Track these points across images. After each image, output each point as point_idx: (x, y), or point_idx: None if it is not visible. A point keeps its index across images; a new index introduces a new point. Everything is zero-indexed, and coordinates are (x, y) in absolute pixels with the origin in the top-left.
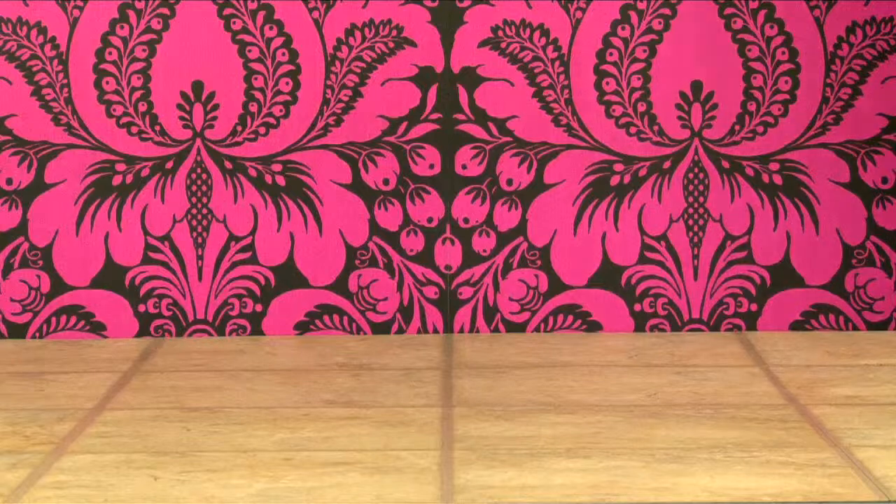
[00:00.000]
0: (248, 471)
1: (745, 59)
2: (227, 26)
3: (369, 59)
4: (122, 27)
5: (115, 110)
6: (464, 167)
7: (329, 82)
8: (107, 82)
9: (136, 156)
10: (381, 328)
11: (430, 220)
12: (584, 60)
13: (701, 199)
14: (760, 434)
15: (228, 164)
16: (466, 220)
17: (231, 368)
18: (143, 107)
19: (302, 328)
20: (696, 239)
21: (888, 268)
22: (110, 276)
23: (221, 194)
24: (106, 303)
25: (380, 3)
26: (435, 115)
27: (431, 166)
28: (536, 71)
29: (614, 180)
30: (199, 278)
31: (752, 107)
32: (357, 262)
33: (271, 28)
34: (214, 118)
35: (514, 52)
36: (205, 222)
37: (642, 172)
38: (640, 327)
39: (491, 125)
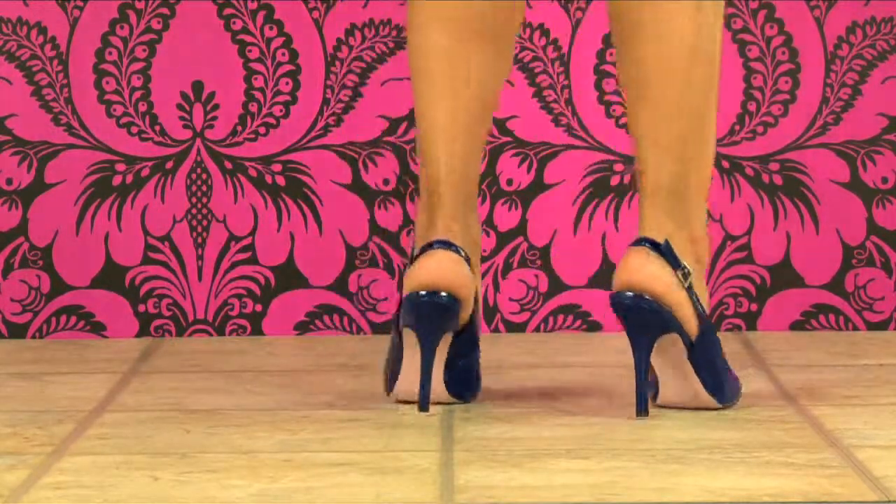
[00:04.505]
0: (248, 471)
1: (746, 59)
2: (227, 26)
3: (369, 59)
4: (122, 27)
5: (115, 110)
6: None
7: (329, 82)
8: (107, 82)
9: (136, 156)
10: (381, 328)
11: None
12: (584, 60)
13: None
14: (760, 434)
15: (228, 165)
16: None
17: (231, 369)
18: (143, 107)
19: (302, 328)
20: None
21: (888, 268)
22: (110, 276)
23: (221, 194)
24: (106, 303)
25: (380, 3)
26: None
27: None
28: (536, 71)
29: (614, 180)
30: (199, 278)
31: (752, 107)
32: (357, 262)
33: (271, 28)
34: (214, 118)
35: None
36: (205, 222)
37: None
38: None
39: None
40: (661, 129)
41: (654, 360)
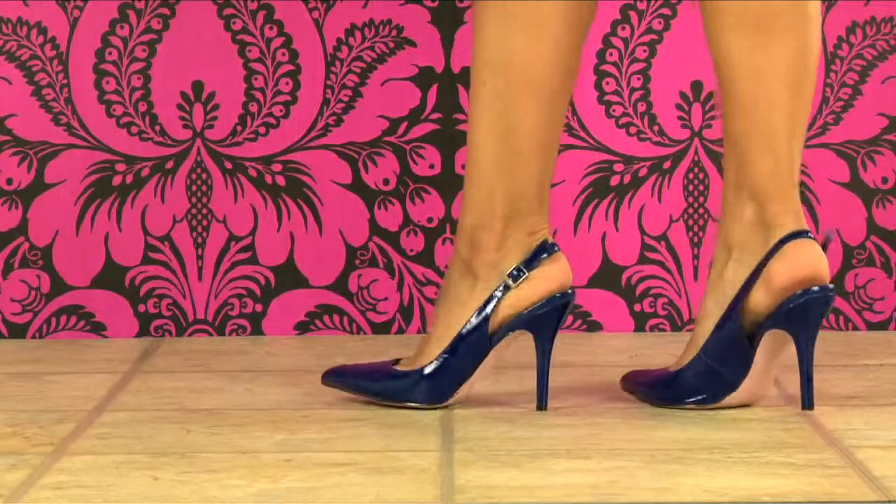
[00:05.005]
0: (248, 471)
1: None
2: (227, 26)
3: (369, 59)
4: (122, 27)
5: (115, 110)
6: (464, 167)
7: (329, 82)
8: (107, 82)
9: (136, 156)
10: (381, 328)
11: (430, 220)
12: (584, 60)
13: (701, 199)
14: (760, 434)
15: (228, 165)
16: None
17: (231, 369)
18: (143, 107)
19: (302, 328)
20: (696, 239)
21: (888, 268)
22: (110, 276)
23: (221, 194)
24: (106, 303)
25: (380, 3)
26: (435, 115)
27: (431, 166)
28: None
29: (614, 180)
30: (199, 278)
31: None
32: (357, 262)
33: (271, 28)
34: (214, 118)
35: None
36: (205, 222)
37: (642, 172)
38: (640, 327)
39: None
40: (800, 123)
41: (774, 356)
